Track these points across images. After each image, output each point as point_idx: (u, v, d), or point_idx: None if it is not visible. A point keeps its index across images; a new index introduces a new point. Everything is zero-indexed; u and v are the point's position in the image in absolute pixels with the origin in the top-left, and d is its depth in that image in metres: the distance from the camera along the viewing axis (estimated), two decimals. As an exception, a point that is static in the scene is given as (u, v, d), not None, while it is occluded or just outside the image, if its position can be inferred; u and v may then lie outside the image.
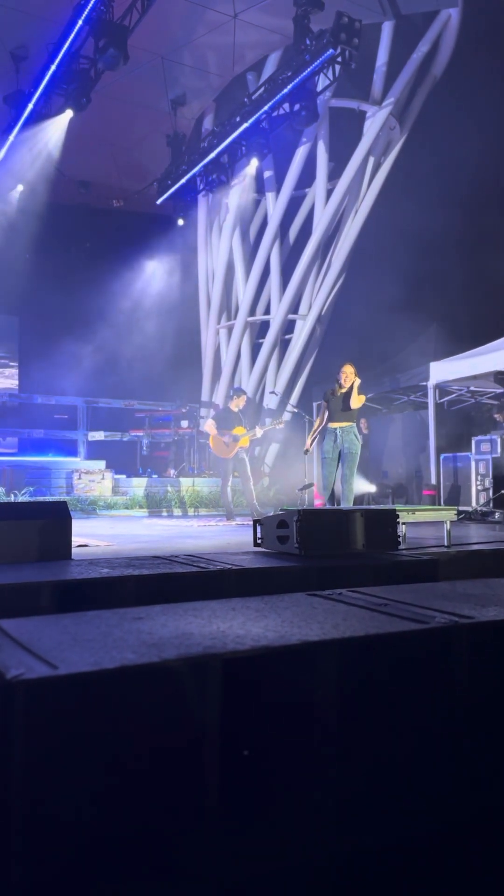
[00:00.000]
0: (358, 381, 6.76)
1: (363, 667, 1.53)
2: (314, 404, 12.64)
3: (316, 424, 6.91)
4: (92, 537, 5.66)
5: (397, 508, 3.90)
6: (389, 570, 3.07)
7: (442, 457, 10.03)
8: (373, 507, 9.12)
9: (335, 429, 6.64)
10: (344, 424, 6.60)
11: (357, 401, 6.65)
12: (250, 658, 1.43)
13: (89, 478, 10.89)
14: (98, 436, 12.96)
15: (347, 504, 6.55)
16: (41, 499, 9.89)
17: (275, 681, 1.44)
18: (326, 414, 6.72)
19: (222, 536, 6.35)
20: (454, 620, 1.69)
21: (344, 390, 6.64)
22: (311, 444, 7.83)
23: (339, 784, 1.45)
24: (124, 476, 11.72)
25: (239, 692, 1.39)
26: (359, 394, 6.72)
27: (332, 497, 6.70)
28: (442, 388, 10.16)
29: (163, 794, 1.33)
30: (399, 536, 3.65)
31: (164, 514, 10.61)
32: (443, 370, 9.78)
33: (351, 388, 6.68)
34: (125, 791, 1.30)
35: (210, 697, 1.37)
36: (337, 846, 1.44)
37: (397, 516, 3.65)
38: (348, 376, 6.68)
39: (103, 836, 1.28)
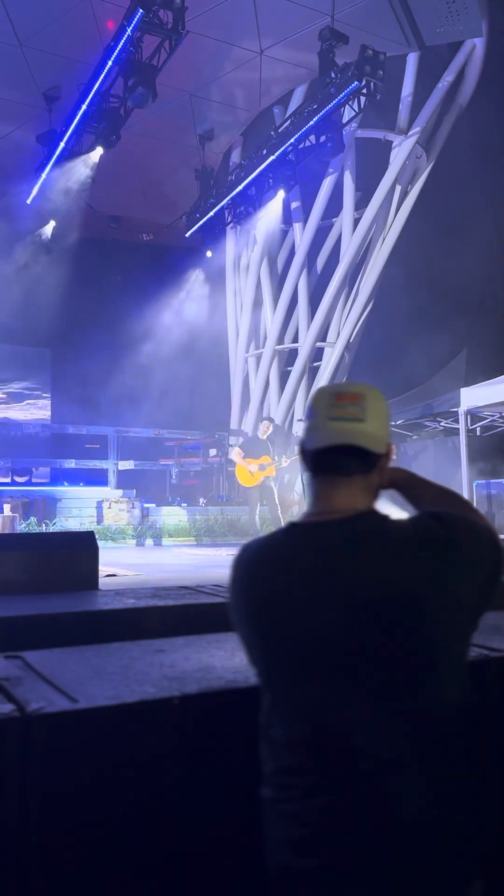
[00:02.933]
0: None
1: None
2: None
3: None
4: (120, 567, 5.66)
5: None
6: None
7: (475, 484, 9.88)
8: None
9: None
10: None
11: None
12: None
13: (119, 507, 10.93)
14: (128, 465, 13.05)
15: None
16: (70, 529, 9.95)
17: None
18: None
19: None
20: (484, 654, 1.64)
21: None
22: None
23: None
24: (154, 505, 11.75)
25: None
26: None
27: None
28: (474, 414, 10.05)
29: (180, 828, 1.30)
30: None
31: (194, 542, 10.59)
32: (474, 396, 9.68)
33: None
34: (142, 825, 1.27)
35: (231, 732, 1.33)
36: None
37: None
38: None
39: (120, 869, 1.25)
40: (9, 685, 1.41)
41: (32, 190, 12.16)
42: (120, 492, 11.80)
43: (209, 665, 1.58)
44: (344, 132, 11.35)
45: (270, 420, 9.29)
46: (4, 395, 15.35)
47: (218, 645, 1.80)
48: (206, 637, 1.92)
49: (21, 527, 9.55)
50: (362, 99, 10.48)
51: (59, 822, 1.21)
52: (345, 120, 11.09)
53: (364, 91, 10.21)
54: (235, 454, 8.91)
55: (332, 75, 10.22)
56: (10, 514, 9.50)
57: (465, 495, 9.78)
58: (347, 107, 10.77)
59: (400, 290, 12.21)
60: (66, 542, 3.41)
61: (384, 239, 12.52)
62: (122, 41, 9.15)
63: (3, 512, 9.55)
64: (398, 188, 12.35)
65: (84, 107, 10.25)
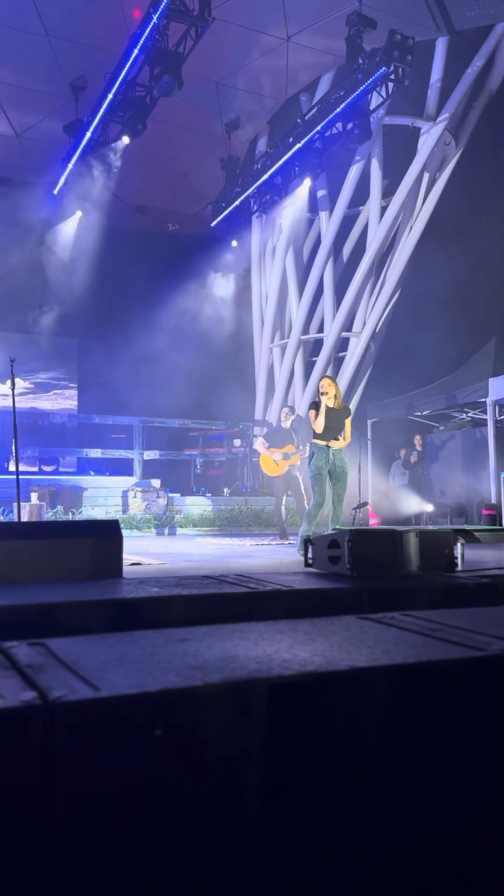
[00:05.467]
0: (350, 415, 6.49)
1: (415, 695, 1.46)
2: (368, 422, 12.52)
3: (319, 424, 6.24)
4: (145, 555, 5.69)
5: (454, 529, 3.79)
6: (445, 594, 2.97)
7: (503, 475, 9.76)
8: (429, 527, 8.92)
9: (328, 447, 6.22)
10: (338, 443, 6.26)
11: (349, 436, 6.39)
12: (296, 684, 1.38)
13: (144, 496, 10.99)
14: (153, 455, 13.11)
15: (337, 524, 6.15)
16: (95, 517, 10.03)
17: (321, 708, 1.39)
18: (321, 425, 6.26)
19: (274, 556, 6.29)
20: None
21: (330, 405, 6.22)
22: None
23: (384, 816, 1.38)
24: (178, 495, 11.80)
25: (283, 719, 1.34)
26: (349, 433, 6.50)
27: (317, 518, 6.30)
28: (502, 405, 9.91)
29: (202, 819, 1.29)
30: (456, 558, 3.53)
31: (218, 532, 10.62)
32: (502, 386, 9.54)
33: (344, 407, 6.42)
34: (164, 815, 1.27)
35: (253, 723, 1.32)
36: (384, 881, 1.37)
37: (454, 537, 3.54)
38: (330, 388, 6.27)
39: (139, 859, 1.25)
40: (32, 672, 1.42)
41: (59, 180, 12.21)
42: (151, 482, 11.86)
43: (232, 655, 1.57)
44: (371, 119, 11.20)
45: (291, 408, 9.24)
46: (32, 386, 15.47)
47: (241, 635, 1.79)
48: (230, 626, 1.91)
49: (48, 515, 9.65)
50: (390, 85, 10.33)
51: (81, 809, 1.22)
52: (372, 107, 10.94)
53: (392, 77, 10.07)
54: (259, 444, 8.89)
55: (360, 61, 10.09)
56: (37, 502, 9.60)
57: (493, 486, 9.67)
58: (375, 93, 10.62)
59: (427, 278, 12.06)
60: (90, 530, 3.43)
61: (412, 227, 12.36)
62: (148, 29, 9.12)
63: (30, 500, 9.65)
64: (426, 175, 12.17)
65: (110, 96, 10.26)
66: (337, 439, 6.23)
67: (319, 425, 6.20)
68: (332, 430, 6.21)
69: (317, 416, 6.24)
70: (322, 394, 6.26)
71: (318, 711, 1.38)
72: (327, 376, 6.56)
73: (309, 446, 6.40)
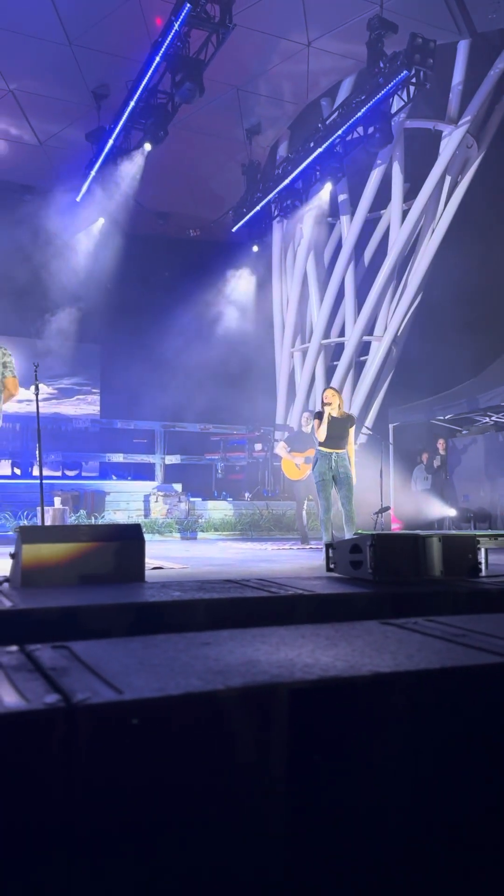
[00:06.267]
0: (353, 424, 6.75)
1: (438, 702, 1.44)
2: (390, 426, 12.46)
3: (322, 433, 6.53)
4: (166, 560, 5.71)
5: (478, 534, 3.75)
6: (469, 599, 2.94)
7: (526, 479, 9.66)
8: (452, 531, 8.85)
9: (330, 453, 6.53)
10: (340, 450, 6.56)
11: (352, 447, 6.68)
12: (318, 688, 1.37)
13: (165, 500, 11.04)
14: (174, 459, 13.17)
15: (352, 528, 6.48)
16: (117, 521, 10.09)
17: (343, 713, 1.38)
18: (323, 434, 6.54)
19: (295, 560, 6.28)
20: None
21: (334, 414, 6.54)
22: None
23: (406, 822, 1.37)
24: (200, 499, 11.83)
25: (305, 723, 1.34)
26: (354, 442, 6.84)
27: (331, 522, 6.60)
28: (525, 409, 9.81)
29: (224, 823, 1.29)
30: (480, 563, 3.50)
31: (239, 537, 10.62)
32: (525, 390, 9.45)
33: (347, 416, 6.69)
34: (186, 818, 1.27)
35: (275, 728, 1.32)
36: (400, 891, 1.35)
37: (478, 542, 3.51)
38: (334, 398, 6.61)
39: (159, 860, 1.25)
40: (55, 675, 1.43)
41: (82, 187, 12.34)
42: (173, 486, 11.91)
43: (254, 659, 1.57)
44: (392, 123, 11.18)
45: (311, 412, 9.25)
46: (55, 391, 15.62)
47: (263, 639, 1.79)
48: (251, 631, 1.91)
49: (71, 519, 9.72)
50: (411, 88, 10.30)
51: (103, 812, 1.22)
52: (393, 110, 10.92)
53: (413, 80, 10.04)
54: (280, 448, 8.92)
55: (381, 65, 10.08)
56: (60, 506, 9.69)
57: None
58: (396, 97, 10.60)
59: (449, 281, 11.99)
60: (112, 533, 3.44)
61: (433, 230, 12.30)
62: (170, 36, 9.19)
63: (53, 505, 9.74)
64: (448, 179, 12.12)
65: (132, 103, 10.35)
66: (340, 446, 6.51)
67: (322, 434, 6.52)
68: (335, 438, 6.52)
69: (319, 425, 6.55)
70: (326, 404, 6.59)
71: (341, 716, 1.37)
72: (331, 387, 6.93)
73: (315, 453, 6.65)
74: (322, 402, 6.70)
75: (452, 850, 1.40)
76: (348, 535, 6.37)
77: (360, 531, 6.59)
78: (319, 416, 6.61)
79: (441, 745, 1.42)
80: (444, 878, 1.39)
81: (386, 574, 3.17)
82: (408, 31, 9.80)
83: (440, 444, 12.22)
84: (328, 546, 3.66)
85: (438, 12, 10.71)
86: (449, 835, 1.40)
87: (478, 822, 1.42)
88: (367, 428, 12.13)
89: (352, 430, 6.66)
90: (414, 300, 12.56)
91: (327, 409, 6.56)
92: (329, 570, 3.59)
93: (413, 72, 9.86)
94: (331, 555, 3.59)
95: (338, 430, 6.53)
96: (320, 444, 6.54)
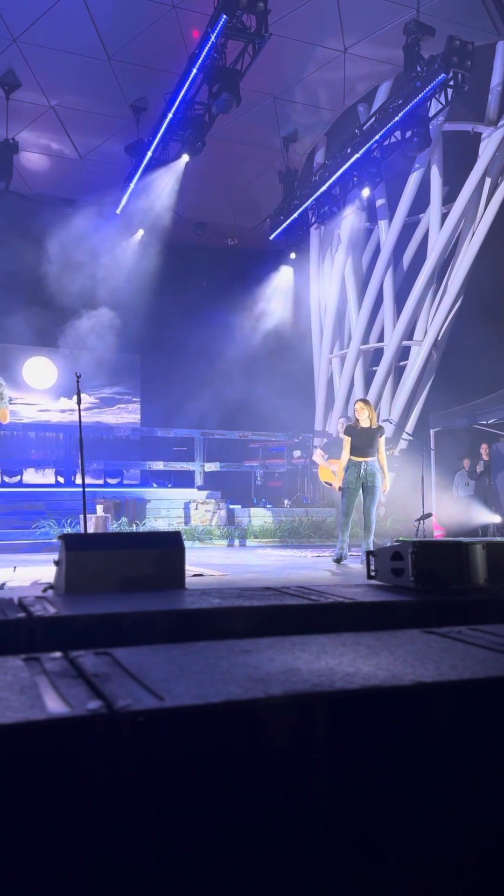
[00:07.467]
0: (384, 434, 6.97)
1: (483, 712, 1.42)
2: (431, 432, 12.30)
3: (345, 456, 6.91)
4: (206, 567, 5.73)
5: (522, 541, 3.67)
6: (514, 607, 2.88)
7: None
8: (497, 538, 8.68)
9: (359, 462, 6.75)
10: (368, 459, 6.75)
11: (383, 455, 6.87)
12: (359, 698, 1.36)
13: (205, 508, 11.08)
14: (214, 467, 13.22)
15: (370, 535, 6.68)
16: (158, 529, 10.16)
17: (385, 723, 1.36)
18: (350, 448, 6.88)
19: (335, 568, 6.24)
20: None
21: (365, 426, 6.81)
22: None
23: (447, 832, 1.34)
24: (239, 506, 11.84)
25: (346, 733, 1.32)
26: (386, 448, 7.06)
27: (349, 527, 6.79)
28: None
29: (265, 831, 1.28)
30: (525, 570, 3.42)
31: (278, 544, 10.60)
32: None
33: (378, 428, 6.92)
34: (226, 825, 1.27)
35: (315, 737, 1.31)
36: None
37: (522, 549, 3.43)
38: (361, 411, 6.89)
39: (201, 866, 1.25)
40: (98, 681, 1.44)
41: (122, 200, 12.52)
42: (212, 493, 11.98)
43: (294, 667, 1.56)
44: (430, 126, 11.09)
45: (347, 418, 9.20)
46: (97, 400, 15.85)
47: (303, 647, 1.78)
48: (292, 639, 1.90)
49: (113, 527, 9.83)
50: (449, 91, 10.21)
51: (143, 817, 1.23)
52: (431, 114, 10.83)
53: (451, 83, 9.95)
54: (318, 455, 8.92)
55: (418, 69, 10.01)
56: (102, 514, 9.80)
57: None
58: (434, 100, 10.52)
59: (490, 284, 11.81)
60: (153, 541, 3.47)
61: (474, 233, 12.15)
62: (207, 48, 9.28)
63: (96, 512, 9.86)
64: (488, 180, 11.95)
65: (170, 115, 10.47)
66: (369, 455, 6.75)
67: (348, 446, 6.89)
68: (363, 448, 6.77)
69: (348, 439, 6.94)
70: (357, 419, 6.91)
71: (382, 726, 1.36)
72: (360, 399, 7.19)
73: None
74: (356, 417, 6.97)
75: (495, 862, 1.37)
76: (364, 543, 6.62)
77: (401, 538, 6.55)
78: (348, 431, 6.93)
79: (485, 756, 1.39)
80: (487, 892, 1.36)
81: (428, 582, 3.13)
82: (445, 33, 9.72)
83: (483, 448, 12.01)
84: (369, 553, 3.63)
85: (476, 14, 10.61)
86: (493, 846, 1.37)
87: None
88: (407, 434, 12.00)
89: (382, 440, 6.86)
90: (454, 303, 12.41)
91: (360, 421, 6.82)
92: (370, 577, 3.56)
93: (451, 74, 9.77)
94: (371, 562, 3.56)
95: (366, 440, 6.77)
96: (350, 453, 6.82)
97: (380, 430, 6.90)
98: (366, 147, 11.24)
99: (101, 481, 12.95)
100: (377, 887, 1.31)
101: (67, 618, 2.47)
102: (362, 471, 6.71)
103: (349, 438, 6.83)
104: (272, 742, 1.31)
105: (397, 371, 12.76)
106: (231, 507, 11.54)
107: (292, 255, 14.42)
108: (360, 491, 6.74)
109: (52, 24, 10.16)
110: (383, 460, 6.85)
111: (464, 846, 1.35)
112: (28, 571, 5.14)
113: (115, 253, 13.21)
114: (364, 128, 11.44)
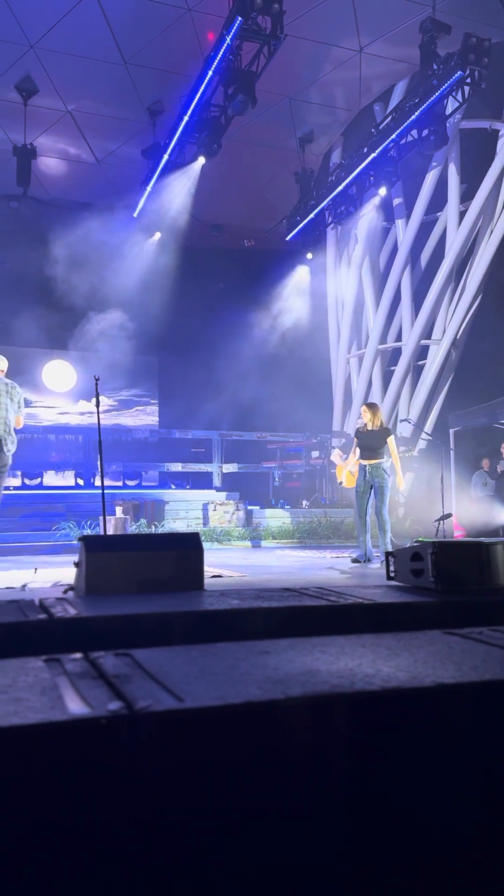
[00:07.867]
0: (391, 435, 7.11)
1: (505, 714, 1.41)
2: (450, 431, 12.22)
3: (350, 459, 7.14)
4: (225, 567, 5.73)
5: (543, 541, 3.63)
6: (536, 608, 2.85)
7: None
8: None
9: (365, 465, 6.91)
10: (373, 461, 6.87)
11: (396, 456, 7.04)
12: (379, 699, 1.35)
13: (223, 509, 11.09)
14: (231, 468, 13.23)
15: (385, 534, 6.79)
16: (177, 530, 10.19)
17: (405, 724, 1.36)
18: (358, 451, 7.05)
19: (355, 568, 6.22)
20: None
21: (370, 429, 6.98)
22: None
23: (469, 835, 1.33)
24: (257, 507, 11.84)
25: (366, 735, 1.32)
26: (405, 448, 7.07)
27: (367, 528, 6.89)
28: None
29: (285, 831, 1.28)
30: (546, 571, 3.39)
31: (297, 545, 10.58)
32: None
33: (382, 429, 7.06)
34: (246, 826, 1.27)
35: (335, 738, 1.31)
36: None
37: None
38: (365, 414, 7.08)
39: (219, 869, 1.25)
40: (118, 682, 1.45)
41: (139, 203, 12.58)
42: (230, 494, 11.99)
43: (314, 669, 1.56)
44: (447, 124, 11.02)
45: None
46: (115, 403, 15.94)
47: (322, 648, 1.78)
48: (311, 640, 1.90)
49: (132, 528, 9.87)
50: (466, 89, 10.15)
51: (163, 817, 1.23)
52: (448, 111, 10.76)
53: (468, 80, 9.89)
54: (336, 456, 8.94)
55: (435, 67, 9.96)
56: (121, 516, 9.84)
57: None
58: (451, 98, 10.45)
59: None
60: (172, 542, 3.48)
61: (492, 230, 12.05)
62: (222, 50, 9.30)
63: (115, 514, 9.90)
64: (506, 178, 11.86)
65: (186, 118, 10.50)
66: (373, 457, 6.91)
67: (351, 461, 7.15)
68: (369, 450, 6.95)
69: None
70: (364, 422, 7.15)
71: (403, 728, 1.35)
72: (366, 403, 7.48)
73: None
74: (363, 421, 7.19)
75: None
76: (381, 544, 6.74)
77: (421, 539, 6.54)
78: (356, 435, 7.17)
79: (508, 759, 1.38)
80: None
81: (448, 583, 3.11)
82: (461, 31, 9.66)
83: None
84: (388, 554, 3.61)
85: (492, 10, 10.52)
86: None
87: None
88: (426, 433, 11.93)
89: (391, 440, 7.01)
90: (473, 302, 12.32)
91: (368, 425, 7.01)
92: (389, 578, 3.54)
93: (468, 72, 9.71)
94: (391, 563, 3.54)
95: (371, 442, 6.93)
96: (359, 455, 7.05)
97: (385, 431, 7.05)
98: (382, 146, 11.20)
99: (119, 483, 13.02)
100: (397, 890, 1.30)
101: (88, 619, 2.48)
102: (368, 473, 6.90)
103: (357, 441, 7.05)
104: (291, 743, 1.31)
105: (416, 370, 12.69)
106: (249, 508, 11.54)
107: (309, 256, 14.39)
108: (371, 491, 6.91)
109: (68, 29, 10.24)
110: (396, 460, 7.00)
111: (485, 849, 1.34)
112: (48, 573, 5.18)
113: (132, 256, 13.27)
114: (380, 127, 11.40)
